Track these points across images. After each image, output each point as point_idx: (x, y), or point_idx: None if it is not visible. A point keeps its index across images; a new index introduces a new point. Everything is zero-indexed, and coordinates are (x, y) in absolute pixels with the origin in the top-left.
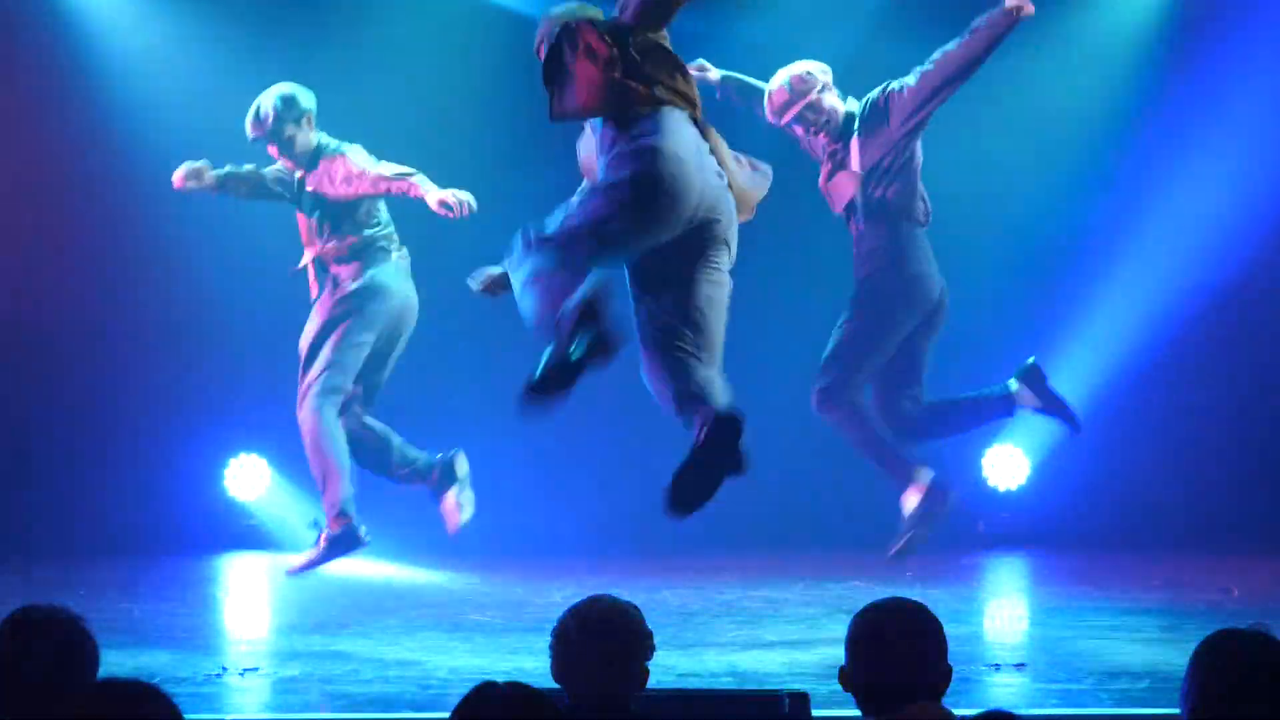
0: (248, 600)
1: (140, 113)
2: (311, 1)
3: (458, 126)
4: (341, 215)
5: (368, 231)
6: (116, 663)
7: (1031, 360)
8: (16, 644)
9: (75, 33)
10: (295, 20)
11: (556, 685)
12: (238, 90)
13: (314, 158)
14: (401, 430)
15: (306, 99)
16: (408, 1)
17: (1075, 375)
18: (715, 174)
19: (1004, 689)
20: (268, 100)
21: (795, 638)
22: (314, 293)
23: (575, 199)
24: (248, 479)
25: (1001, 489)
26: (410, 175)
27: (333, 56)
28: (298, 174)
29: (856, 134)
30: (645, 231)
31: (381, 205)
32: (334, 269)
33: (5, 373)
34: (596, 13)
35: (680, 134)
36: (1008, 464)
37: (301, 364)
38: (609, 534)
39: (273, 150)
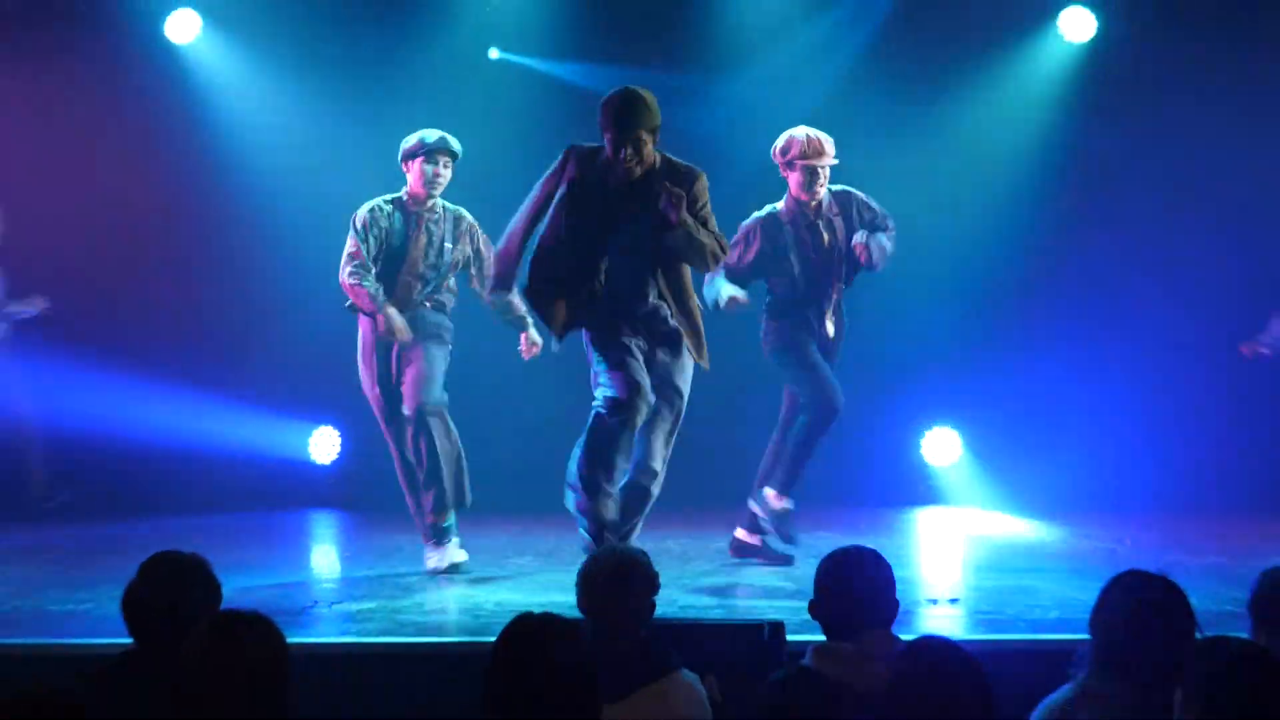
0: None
1: (244, 142)
2: (380, 59)
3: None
4: (446, 275)
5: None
6: None
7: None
8: (152, 585)
9: (198, 89)
10: (370, 75)
11: (581, 616)
12: (315, 127)
13: (455, 215)
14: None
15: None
16: (467, 70)
17: (1008, 375)
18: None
19: (940, 620)
20: (449, 137)
21: (772, 578)
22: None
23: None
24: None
25: (939, 465)
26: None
27: (400, 110)
28: (433, 216)
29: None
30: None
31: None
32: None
33: None
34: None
35: None
36: (943, 442)
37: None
38: None
39: (431, 170)
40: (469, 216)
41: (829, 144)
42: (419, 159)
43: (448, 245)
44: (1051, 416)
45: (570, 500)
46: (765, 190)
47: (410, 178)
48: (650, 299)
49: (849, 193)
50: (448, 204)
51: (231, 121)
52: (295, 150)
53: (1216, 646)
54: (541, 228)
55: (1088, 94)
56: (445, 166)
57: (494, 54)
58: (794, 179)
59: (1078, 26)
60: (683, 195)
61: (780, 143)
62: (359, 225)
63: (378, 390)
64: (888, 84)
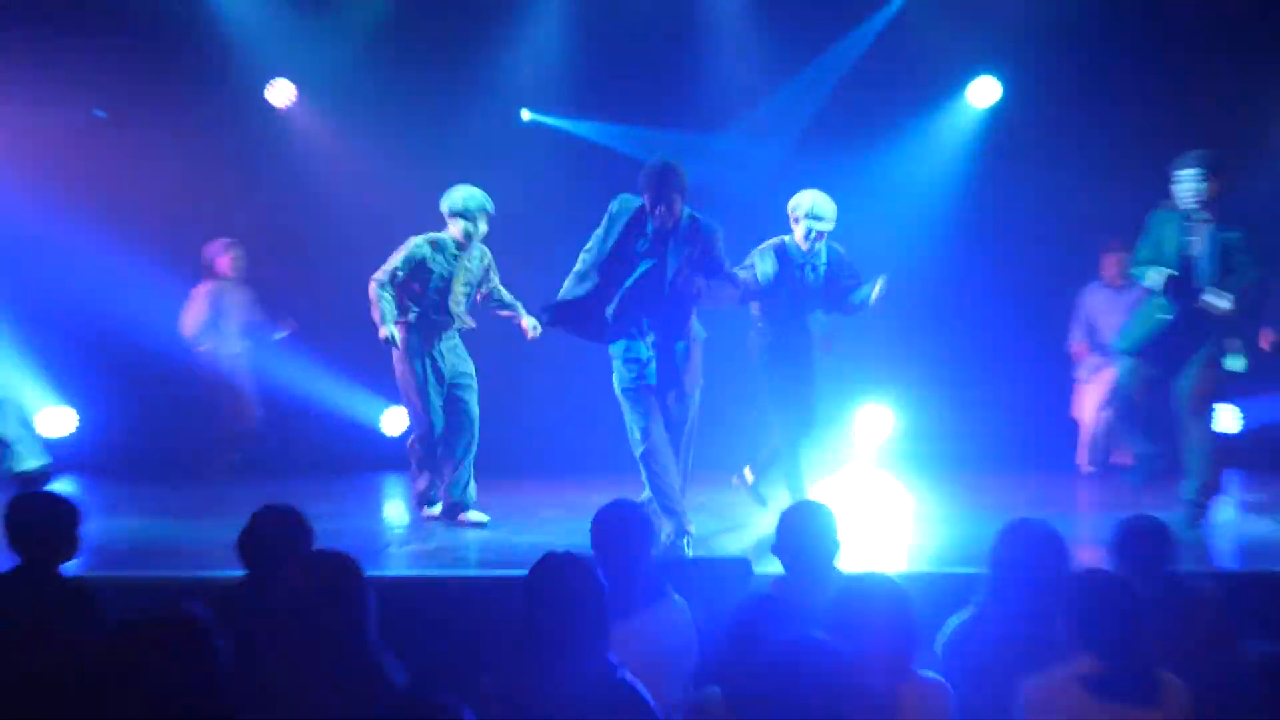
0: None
1: (326, 183)
2: (435, 118)
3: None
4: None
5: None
6: None
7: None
8: (260, 528)
9: (292, 146)
10: (427, 130)
11: (594, 554)
12: (385, 172)
13: (481, 253)
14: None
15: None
16: (504, 128)
17: (930, 363)
18: None
19: (873, 557)
20: (486, 199)
21: (742, 528)
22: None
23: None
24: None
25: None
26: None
27: (451, 158)
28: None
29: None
30: None
31: None
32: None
33: None
34: None
35: None
36: (876, 417)
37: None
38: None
39: (473, 227)
40: (489, 254)
41: (831, 211)
42: (462, 219)
43: (477, 277)
44: (966, 396)
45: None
46: (746, 224)
47: (455, 230)
48: (658, 316)
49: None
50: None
51: (315, 168)
52: (368, 189)
53: (1089, 578)
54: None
55: (990, 146)
56: (483, 223)
57: (526, 115)
58: (798, 231)
59: (984, 94)
60: (703, 283)
61: (795, 199)
62: (405, 253)
63: (426, 386)
64: (835, 139)
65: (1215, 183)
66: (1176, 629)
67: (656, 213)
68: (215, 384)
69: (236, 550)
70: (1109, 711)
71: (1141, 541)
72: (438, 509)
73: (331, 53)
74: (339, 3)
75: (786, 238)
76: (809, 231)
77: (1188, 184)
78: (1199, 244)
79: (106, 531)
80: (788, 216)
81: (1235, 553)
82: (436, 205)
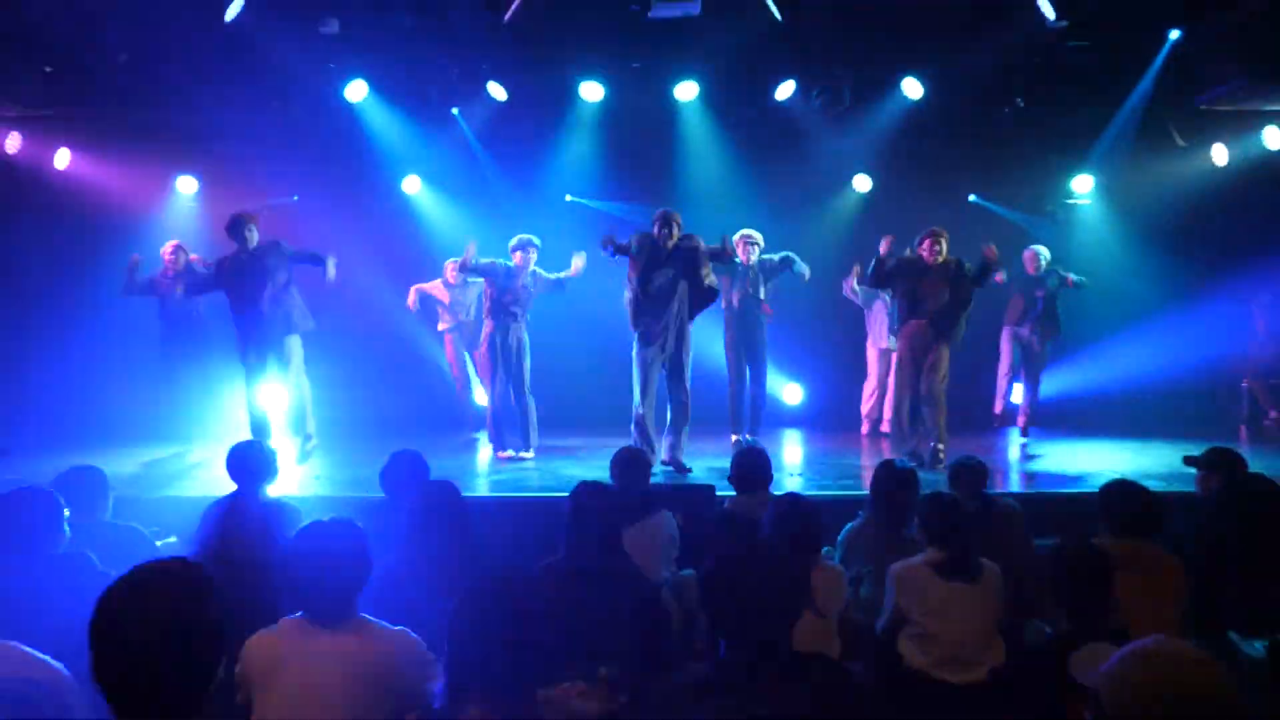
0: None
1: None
2: (501, 199)
3: None
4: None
5: None
6: None
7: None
8: (398, 465)
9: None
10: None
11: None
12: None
13: (534, 271)
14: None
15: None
16: (552, 206)
17: (835, 346)
18: None
19: (793, 482)
20: (535, 239)
21: (709, 465)
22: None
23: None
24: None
25: (791, 403)
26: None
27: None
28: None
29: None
30: None
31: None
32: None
33: None
34: None
35: None
36: (794, 391)
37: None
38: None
39: (525, 255)
40: (541, 271)
41: (758, 236)
42: (519, 251)
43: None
44: (858, 375)
45: (633, 431)
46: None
47: (516, 258)
48: (669, 304)
49: (766, 259)
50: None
51: (431, 231)
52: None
53: (934, 497)
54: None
55: (866, 216)
56: (532, 252)
57: (568, 198)
58: (741, 249)
59: (862, 184)
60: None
61: (738, 234)
62: (486, 261)
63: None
64: (768, 210)
65: None
66: (992, 532)
67: (660, 233)
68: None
69: (380, 479)
70: (950, 587)
71: (965, 473)
72: (510, 452)
73: (441, 155)
74: (446, 120)
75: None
76: (743, 249)
77: None
78: None
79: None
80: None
81: (1024, 480)
82: (505, 253)
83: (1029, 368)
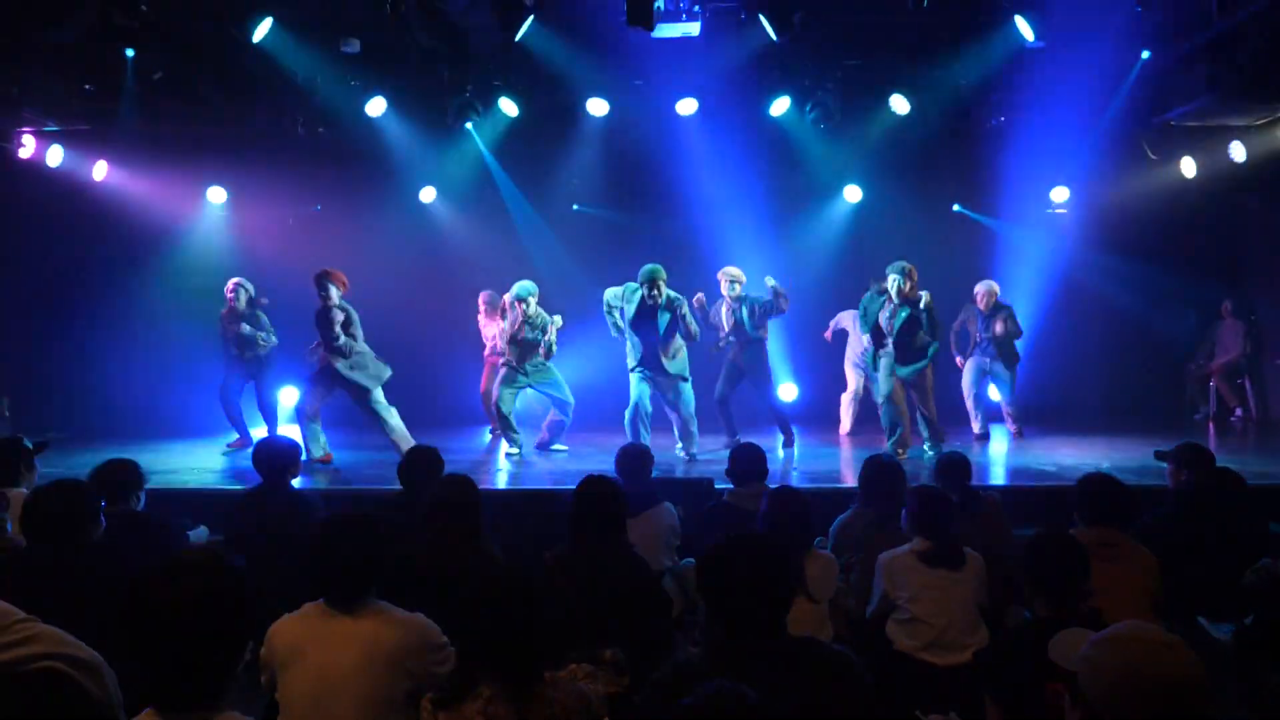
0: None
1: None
2: (508, 209)
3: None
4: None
5: None
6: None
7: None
8: (413, 460)
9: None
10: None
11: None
12: (484, 245)
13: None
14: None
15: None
16: (561, 215)
17: (823, 353)
18: None
19: (787, 477)
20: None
21: (709, 460)
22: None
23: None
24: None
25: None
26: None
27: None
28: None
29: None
30: None
31: None
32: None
33: None
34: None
35: None
36: (789, 389)
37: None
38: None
39: (522, 309)
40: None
41: (739, 274)
42: (520, 301)
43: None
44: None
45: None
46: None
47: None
48: (657, 353)
49: (746, 296)
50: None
51: (446, 242)
52: (477, 254)
53: (920, 490)
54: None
55: (857, 225)
56: (520, 306)
57: (575, 207)
58: (722, 284)
59: (852, 195)
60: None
61: (720, 271)
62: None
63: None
64: (764, 219)
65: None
66: (975, 522)
67: (651, 294)
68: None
69: (399, 473)
70: (935, 574)
71: (950, 468)
72: (517, 449)
73: (456, 167)
74: (460, 134)
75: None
76: (724, 286)
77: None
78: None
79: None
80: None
81: (1005, 473)
82: (522, 264)
83: (997, 380)
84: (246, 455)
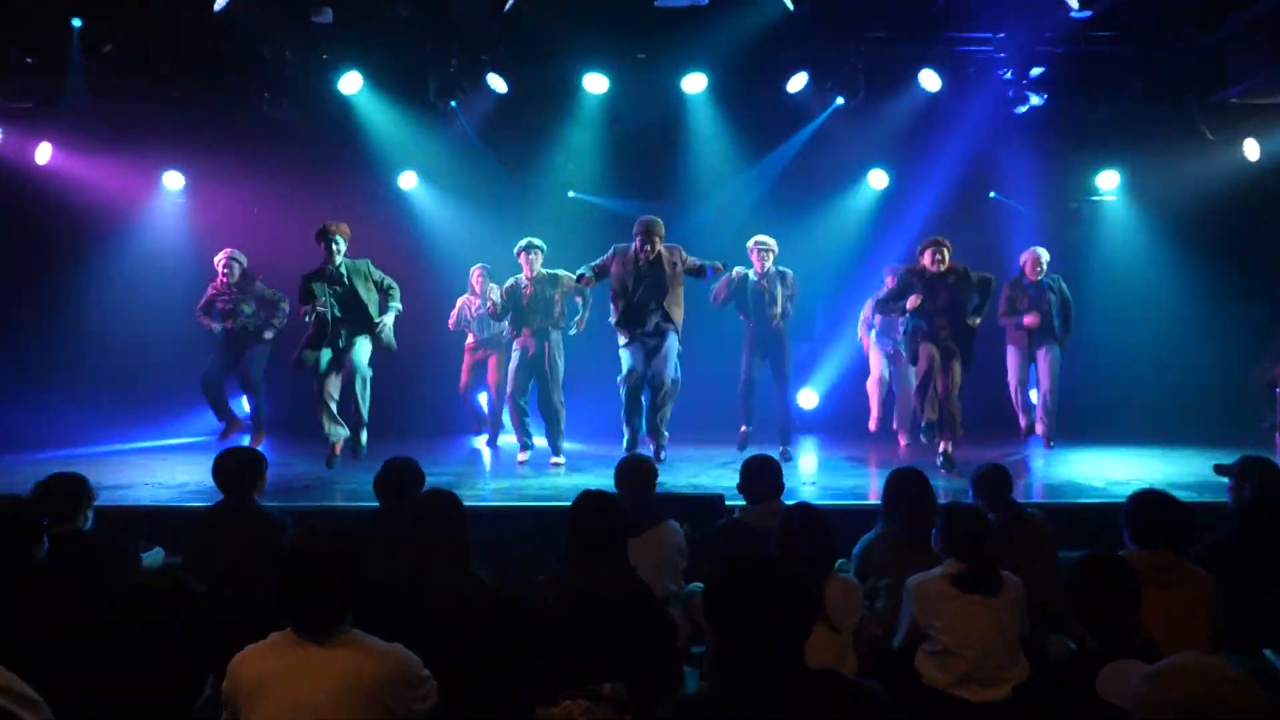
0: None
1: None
2: (504, 196)
3: None
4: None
5: None
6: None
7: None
8: (390, 473)
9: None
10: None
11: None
12: (469, 233)
13: (551, 275)
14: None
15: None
16: (556, 202)
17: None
18: None
19: (806, 492)
20: (535, 240)
21: (717, 473)
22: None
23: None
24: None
25: (808, 408)
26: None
27: (517, 225)
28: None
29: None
30: None
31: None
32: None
33: None
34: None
35: None
36: (809, 396)
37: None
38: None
39: (528, 259)
40: (560, 273)
41: (773, 243)
42: (523, 254)
43: (549, 293)
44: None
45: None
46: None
47: (523, 264)
48: (654, 315)
49: (784, 271)
50: (544, 270)
51: (429, 230)
52: (462, 243)
53: (952, 507)
54: (608, 282)
55: (883, 214)
56: (534, 255)
57: (571, 194)
58: (754, 257)
59: (878, 180)
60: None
61: (752, 240)
62: (506, 292)
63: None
64: (779, 208)
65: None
66: (1015, 543)
67: (644, 248)
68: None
69: (374, 488)
70: (970, 601)
71: (988, 481)
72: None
73: (439, 150)
74: (443, 113)
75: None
76: (758, 258)
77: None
78: None
79: (281, 476)
80: (747, 258)
81: (1046, 489)
82: (510, 253)
83: (1040, 374)
84: (239, 442)
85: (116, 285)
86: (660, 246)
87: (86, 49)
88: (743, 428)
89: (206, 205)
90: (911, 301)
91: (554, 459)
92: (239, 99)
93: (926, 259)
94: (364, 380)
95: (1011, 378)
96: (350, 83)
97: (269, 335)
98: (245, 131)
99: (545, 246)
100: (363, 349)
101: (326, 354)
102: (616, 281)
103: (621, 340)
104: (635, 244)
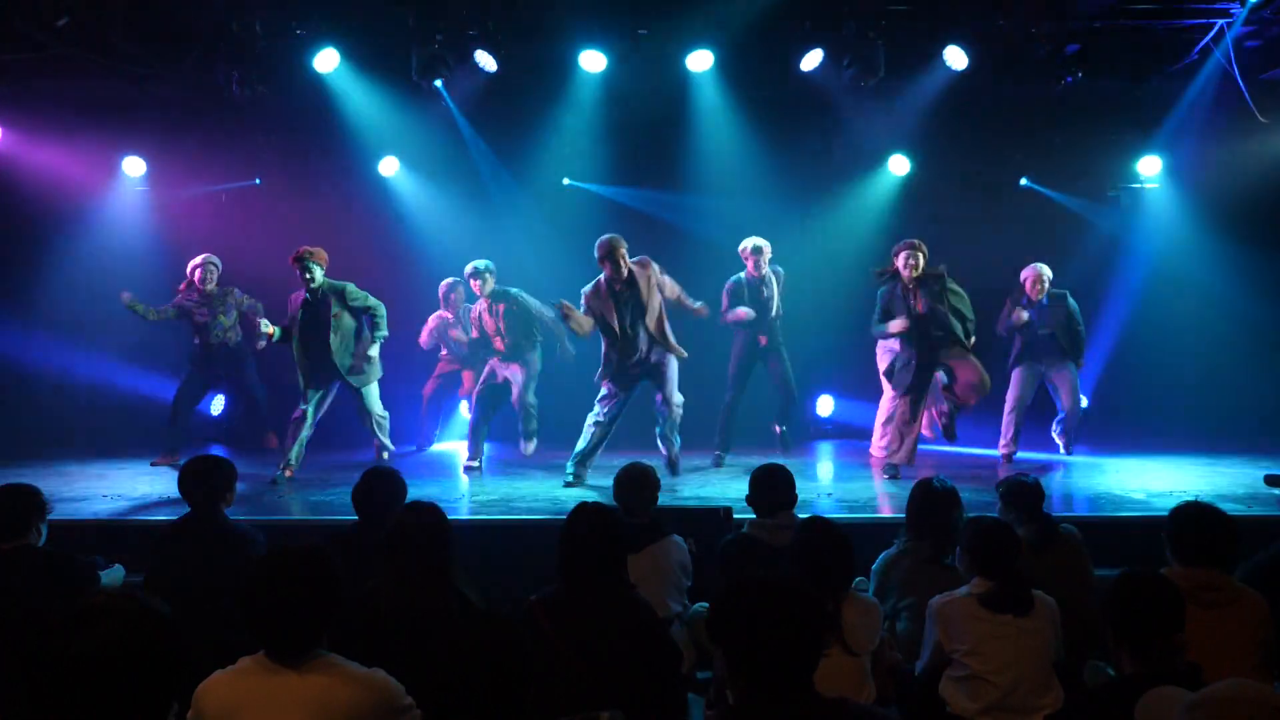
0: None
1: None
2: (498, 184)
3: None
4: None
5: None
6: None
7: None
8: (369, 484)
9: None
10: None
11: (615, 505)
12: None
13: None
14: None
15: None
16: (550, 190)
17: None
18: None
19: (825, 503)
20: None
21: (725, 483)
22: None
23: None
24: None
25: (824, 415)
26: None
27: (509, 217)
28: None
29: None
30: None
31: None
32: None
33: None
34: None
35: None
36: (826, 403)
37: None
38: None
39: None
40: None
41: (767, 247)
42: (472, 280)
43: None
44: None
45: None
46: (719, 261)
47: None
48: (643, 341)
49: (777, 270)
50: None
51: (411, 219)
52: (448, 234)
53: (981, 522)
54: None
55: (904, 203)
56: (474, 283)
57: (566, 182)
58: (749, 263)
59: (899, 166)
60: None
61: (744, 243)
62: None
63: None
64: (791, 196)
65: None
66: (1049, 560)
67: (608, 273)
68: None
69: (352, 500)
70: (999, 622)
71: (1020, 494)
72: (478, 463)
73: (424, 135)
74: (428, 94)
75: (740, 274)
76: (754, 263)
77: None
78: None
79: (254, 487)
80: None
81: (1080, 502)
82: (502, 249)
83: (1062, 386)
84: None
85: (74, 282)
86: (628, 265)
87: (38, 23)
88: (717, 452)
89: (170, 193)
90: (896, 326)
91: (524, 446)
92: (205, 77)
93: (900, 262)
94: (379, 424)
95: (1010, 394)
96: (326, 60)
97: (261, 345)
98: (212, 113)
99: (493, 266)
100: (374, 395)
101: (317, 395)
102: (600, 321)
103: (603, 392)
104: (604, 273)
